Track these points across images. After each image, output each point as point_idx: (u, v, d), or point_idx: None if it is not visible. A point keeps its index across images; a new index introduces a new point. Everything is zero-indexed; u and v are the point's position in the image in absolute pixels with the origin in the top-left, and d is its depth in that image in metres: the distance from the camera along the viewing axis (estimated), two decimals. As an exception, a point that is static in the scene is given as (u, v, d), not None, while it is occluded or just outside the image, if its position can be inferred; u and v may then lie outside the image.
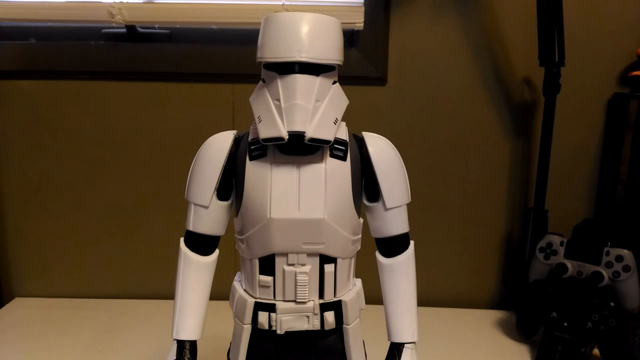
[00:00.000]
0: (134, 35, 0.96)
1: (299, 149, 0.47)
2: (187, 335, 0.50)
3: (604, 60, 0.93)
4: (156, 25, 0.96)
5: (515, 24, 0.92)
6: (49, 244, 1.02)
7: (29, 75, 0.95)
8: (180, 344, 0.50)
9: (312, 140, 0.45)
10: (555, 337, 0.79)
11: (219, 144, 0.50)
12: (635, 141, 0.89)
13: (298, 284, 0.48)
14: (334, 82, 0.48)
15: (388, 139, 0.51)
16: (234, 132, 0.51)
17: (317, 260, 0.48)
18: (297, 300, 0.48)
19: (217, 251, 0.53)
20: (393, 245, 0.52)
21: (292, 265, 0.48)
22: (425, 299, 0.99)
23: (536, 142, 0.94)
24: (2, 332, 0.89)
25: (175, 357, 0.50)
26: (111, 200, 1.00)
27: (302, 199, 0.47)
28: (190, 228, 0.51)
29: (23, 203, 1.00)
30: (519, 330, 0.88)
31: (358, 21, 0.91)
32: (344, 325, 0.50)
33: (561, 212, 0.94)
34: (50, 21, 0.95)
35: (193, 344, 0.51)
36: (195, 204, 0.50)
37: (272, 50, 0.46)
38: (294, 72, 0.46)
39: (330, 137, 0.46)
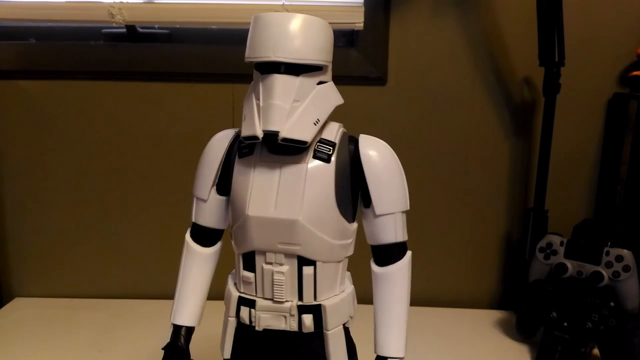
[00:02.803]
0: (134, 35, 0.96)
1: (283, 149, 0.47)
2: (182, 320, 0.53)
3: (604, 60, 0.93)
4: (156, 25, 0.96)
5: (515, 24, 0.92)
6: (49, 244, 1.01)
7: (29, 75, 0.95)
8: (177, 328, 0.53)
9: (285, 140, 0.45)
10: (555, 337, 0.79)
11: (220, 141, 0.52)
12: (635, 141, 0.89)
13: (275, 283, 0.48)
14: (320, 83, 0.48)
15: (388, 139, 0.50)
16: (236, 129, 0.52)
17: (295, 261, 0.48)
18: (275, 300, 0.48)
19: (219, 244, 0.54)
20: (386, 254, 0.50)
21: (270, 264, 0.48)
22: (425, 299, 1.00)
23: (536, 142, 0.94)
24: (2, 332, 0.89)
25: (169, 341, 0.52)
26: (111, 200, 1.00)
27: (279, 199, 0.47)
28: (193, 220, 0.54)
29: (23, 203, 1.00)
30: (519, 330, 0.88)
31: (358, 21, 0.90)
32: (324, 331, 0.49)
33: (561, 212, 0.94)
34: (50, 21, 0.95)
35: (189, 330, 0.53)
36: (197, 198, 0.53)
37: (252, 49, 0.47)
38: (273, 72, 0.46)
39: (306, 137, 0.45)
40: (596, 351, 0.80)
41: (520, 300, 0.88)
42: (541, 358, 0.80)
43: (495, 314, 0.98)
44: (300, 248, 0.47)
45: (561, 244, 0.83)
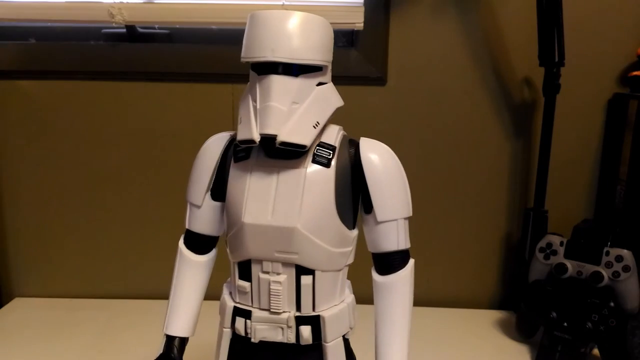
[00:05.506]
0: (134, 35, 0.96)
1: (281, 153, 0.45)
2: (175, 331, 0.51)
3: (604, 60, 0.93)
4: (156, 25, 0.96)
5: (515, 24, 0.92)
6: (49, 244, 1.01)
7: (29, 75, 0.95)
8: (170, 339, 0.51)
9: (283, 144, 0.43)
10: (555, 337, 0.79)
11: (214, 145, 0.50)
12: (635, 141, 0.89)
13: (272, 293, 0.46)
14: (320, 84, 0.46)
15: (387, 139, 0.49)
16: (231, 132, 0.50)
17: (293, 270, 0.46)
18: (271, 310, 0.46)
19: (213, 251, 0.53)
20: (388, 262, 0.48)
21: (267, 273, 0.46)
22: (425, 299, 1.00)
23: (536, 142, 0.94)
24: (2, 332, 0.89)
25: (162, 352, 0.51)
26: (111, 200, 1.00)
27: (277, 205, 0.45)
28: (187, 226, 0.52)
29: (23, 203, 1.00)
30: (519, 330, 0.88)
31: (358, 21, 0.90)
32: (323, 343, 0.47)
33: (561, 212, 0.94)
34: (50, 21, 0.95)
35: (182, 340, 0.51)
36: (191, 204, 0.51)
37: (249, 49, 0.44)
38: (271, 72, 0.44)
39: (305, 141, 0.43)
40: (596, 351, 0.80)
41: (520, 300, 0.88)
42: (541, 358, 0.80)
43: (495, 314, 0.98)
44: (298, 257, 0.45)
45: (561, 244, 0.83)
